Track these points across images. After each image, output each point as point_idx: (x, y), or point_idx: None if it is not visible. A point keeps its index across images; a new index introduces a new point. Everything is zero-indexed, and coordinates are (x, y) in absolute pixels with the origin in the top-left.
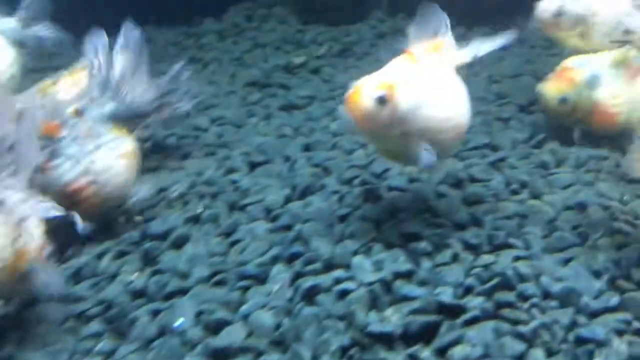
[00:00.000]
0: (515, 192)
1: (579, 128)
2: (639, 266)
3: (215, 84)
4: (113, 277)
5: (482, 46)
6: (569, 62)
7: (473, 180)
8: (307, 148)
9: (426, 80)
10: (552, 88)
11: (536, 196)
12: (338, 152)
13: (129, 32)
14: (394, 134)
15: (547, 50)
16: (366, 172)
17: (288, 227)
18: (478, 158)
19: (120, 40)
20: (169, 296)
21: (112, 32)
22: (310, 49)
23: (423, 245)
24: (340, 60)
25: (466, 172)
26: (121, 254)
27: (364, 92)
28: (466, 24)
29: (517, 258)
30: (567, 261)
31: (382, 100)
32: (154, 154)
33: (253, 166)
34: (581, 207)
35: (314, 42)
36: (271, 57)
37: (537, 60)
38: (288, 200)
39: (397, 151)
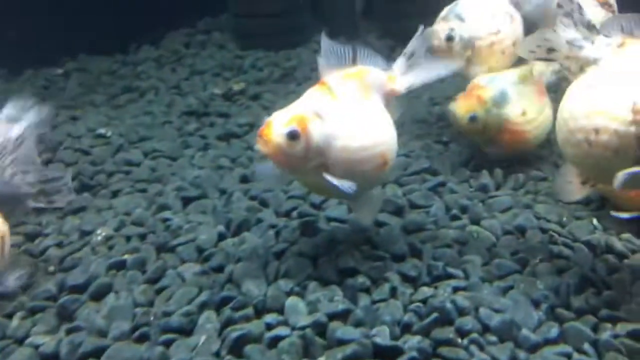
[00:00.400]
0: (455, 218)
1: (492, 147)
2: (577, 293)
3: (151, 114)
4: (22, 340)
5: (421, 76)
6: (478, 80)
7: (413, 206)
8: (244, 180)
9: (341, 110)
10: (461, 107)
11: (476, 221)
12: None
13: (22, 102)
14: (310, 167)
15: None
16: (305, 202)
17: (219, 269)
18: (418, 183)
19: (7, 109)
20: (83, 358)
21: (46, 61)
22: (250, 75)
23: (361, 280)
24: (281, 86)
25: (406, 198)
26: (34, 311)
27: (275, 127)
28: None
29: (456, 289)
30: (506, 290)
31: (293, 135)
32: (82, 193)
33: (186, 202)
34: (520, 230)
35: (253, 67)
36: (210, 84)
37: None
38: (221, 238)
39: (319, 184)
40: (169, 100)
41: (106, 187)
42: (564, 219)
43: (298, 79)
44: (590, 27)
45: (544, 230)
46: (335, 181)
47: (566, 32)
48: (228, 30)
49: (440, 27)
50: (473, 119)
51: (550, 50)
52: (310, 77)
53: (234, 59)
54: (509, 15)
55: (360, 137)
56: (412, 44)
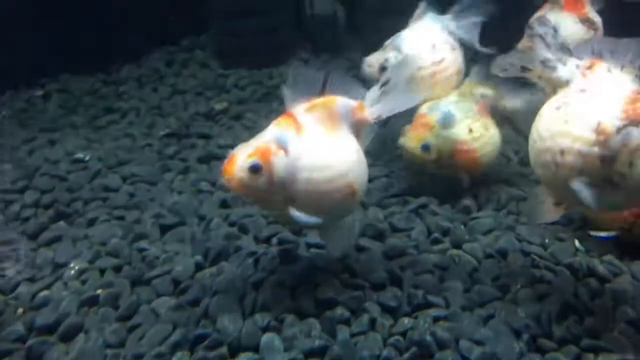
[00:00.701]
0: (437, 242)
1: (447, 175)
2: (559, 321)
3: (131, 136)
4: None
5: (391, 105)
6: (421, 109)
7: (394, 230)
8: (224, 204)
9: (306, 142)
10: (411, 138)
11: (458, 245)
12: (257, 208)
13: None
14: (276, 199)
15: None
16: (285, 228)
17: (195, 302)
18: (400, 205)
19: None
20: None
21: (26, 82)
22: (233, 94)
23: (339, 312)
24: (264, 105)
25: (387, 221)
26: (1, 355)
27: (237, 161)
28: None
29: (436, 319)
30: (487, 319)
31: (255, 169)
32: (57, 222)
33: (164, 230)
34: (502, 254)
35: (236, 86)
36: (191, 104)
37: None
38: (198, 268)
39: (288, 216)
40: (150, 121)
41: (82, 215)
42: (547, 240)
43: (281, 97)
44: (564, 48)
45: (525, 253)
46: (300, 215)
47: (540, 53)
48: (210, 48)
49: (375, 58)
50: (425, 147)
51: (524, 69)
52: None
53: (217, 78)
54: (449, 45)
55: (326, 169)
56: (387, 73)
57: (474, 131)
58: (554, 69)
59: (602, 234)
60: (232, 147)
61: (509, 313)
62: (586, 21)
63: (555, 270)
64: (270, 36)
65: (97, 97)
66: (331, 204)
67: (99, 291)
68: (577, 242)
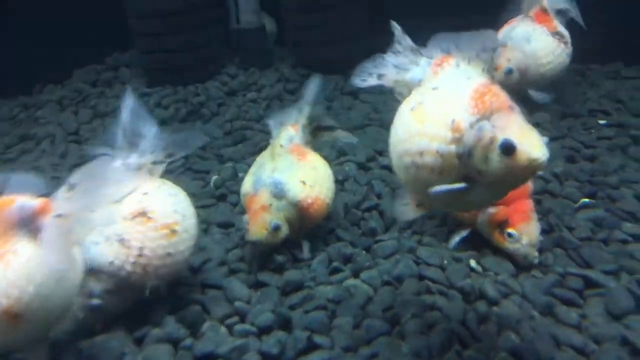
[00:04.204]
0: (336, 271)
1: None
2: (441, 354)
3: (40, 169)
4: None
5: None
6: (244, 189)
7: (296, 260)
8: None
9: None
10: (257, 228)
11: (357, 273)
12: None
13: None
14: None
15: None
16: None
17: None
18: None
19: None
20: None
21: None
22: (155, 114)
23: None
24: (185, 125)
25: (289, 252)
26: None
27: None
28: None
29: None
30: (369, 359)
31: None
32: None
33: None
34: (399, 280)
35: (159, 105)
36: (111, 127)
37: (383, 109)
38: None
39: None
40: (64, 149)
41: None
42: (445, 261)
43: (205, 115)
44: (414, 50)
45: (422, 278)
46: None
47: (393, 58)
48: (136, 66)
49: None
50: (276, 228)
51: (380, 76)
52: (218, 112)
53: (139, 98)
54: None
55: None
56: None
57: (307, 180)
58: (407, 70)
59: (457, 238)
60: None
61: (392, 350)
62: (556, 34)
63: (448, 294)
64: (196, 51)
65: (14, 122)
66: None
67: None
68: (472, 262)
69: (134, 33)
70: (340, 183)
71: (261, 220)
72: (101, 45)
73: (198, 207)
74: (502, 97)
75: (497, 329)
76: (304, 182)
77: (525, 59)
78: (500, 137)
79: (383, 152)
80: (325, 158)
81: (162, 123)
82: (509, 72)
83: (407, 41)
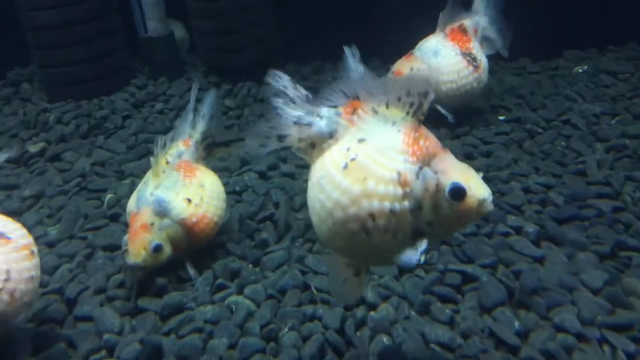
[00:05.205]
0: (221, 288)
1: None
2: None
3: None
4: None
5: None
6: (130, 208)
7: (180, 280)
8: None
9: None
10: (136, 249)
11: (242, 289)
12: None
13: None
14: None
15: None
16: None
17: None
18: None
19: None
20: None
21: None
22: (54, 132)
23: None
24: (87, 142)
25: (174, 272)
26: None
27: None
28: None
29: None
30: None
31: None
32: None
33: None
34: (282, 292)
35: (59, 122)
36: (5, 148)
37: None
38: None
39: None
40: None
41: None
42: None
43: (108, 130)
44: (309, 99)
45: (307, 287)
46: None
47: (287, 112)
48: (38, 80)
49: None
50: (157, 248)
51: (282, 137)
52: (123, 125)
53: (39, 114)
54: None
55: None
56: None
57: (192, 199)
58: (310, 125)
59: (418, 252)
60: (38, 198)
61: None
62: (468, 55)
63: (331, 302)
64: (100, 63)
65: None
66: None
67: None
68: None
69: (31, 47)
70: (238, 194)
71: (140, 241)
72: (1, 60)
73: (87, 229)
74: (433, 139)
75: (372, 334)
76: (189, 200)
77: (429, 72)
78: (446, 182)
79: (287, 159)
80: (228, 168)
81: (61, 140)
82: None
83: (298, 89)
